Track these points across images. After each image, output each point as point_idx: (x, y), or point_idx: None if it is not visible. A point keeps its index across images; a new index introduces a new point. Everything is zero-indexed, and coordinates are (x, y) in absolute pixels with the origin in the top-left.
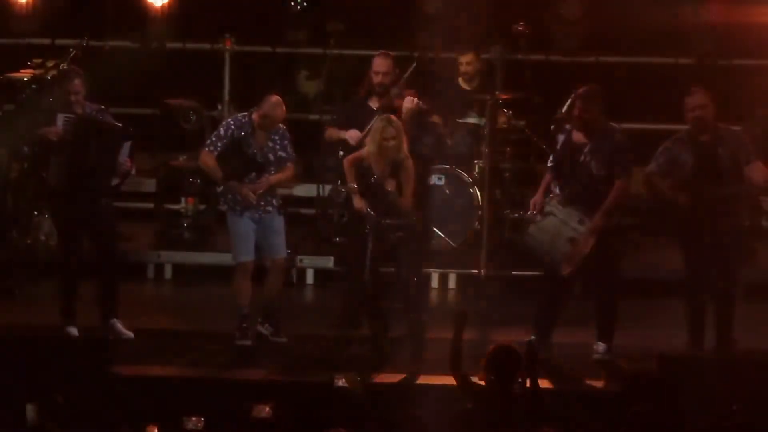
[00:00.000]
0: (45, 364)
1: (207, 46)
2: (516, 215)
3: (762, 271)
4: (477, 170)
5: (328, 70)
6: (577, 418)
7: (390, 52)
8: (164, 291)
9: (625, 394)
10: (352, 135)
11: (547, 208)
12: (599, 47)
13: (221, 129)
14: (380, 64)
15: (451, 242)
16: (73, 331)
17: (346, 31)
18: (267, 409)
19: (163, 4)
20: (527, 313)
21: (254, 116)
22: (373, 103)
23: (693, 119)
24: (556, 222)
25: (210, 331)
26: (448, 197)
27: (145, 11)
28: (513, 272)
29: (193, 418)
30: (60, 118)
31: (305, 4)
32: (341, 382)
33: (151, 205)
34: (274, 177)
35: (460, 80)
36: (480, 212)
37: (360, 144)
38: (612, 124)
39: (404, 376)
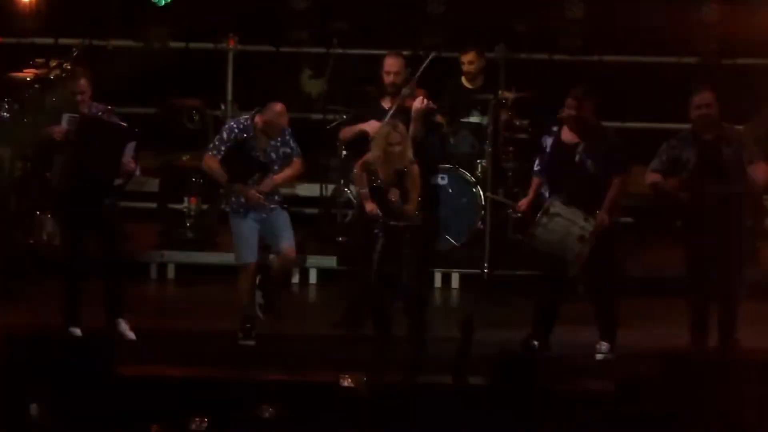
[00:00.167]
0: (47, 364)
1: (210, 45)
2: (517, 215)
3: (765, 270)
4: (480, 170)
5: (332, 70)
6: (578, 418)
7: (401, 52)
8: (167, 291)
9: (627, 394)
10: (372, 125)
11: (553, 209)
12: (602, 47)
13: (224, 132)
14: (391, 63)
15: (453, 242)
16: (76, 331)
17: (349, 30)
18: (271, 409)
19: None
20: (530, 312)
21: (257, 119)
22: (386, 103)
23: (698, 117)
24: (564, 222)
25: (213, 330)
26: (451, 196)
27: (148, 11)
28: (516, 272)
29: (197, 419)
30: (65, 118)
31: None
32: (347, 383)
33: (153, 205)
34: (279, 176)
35: (463, 79)
36: (483, 212)
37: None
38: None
39: (406, 376)
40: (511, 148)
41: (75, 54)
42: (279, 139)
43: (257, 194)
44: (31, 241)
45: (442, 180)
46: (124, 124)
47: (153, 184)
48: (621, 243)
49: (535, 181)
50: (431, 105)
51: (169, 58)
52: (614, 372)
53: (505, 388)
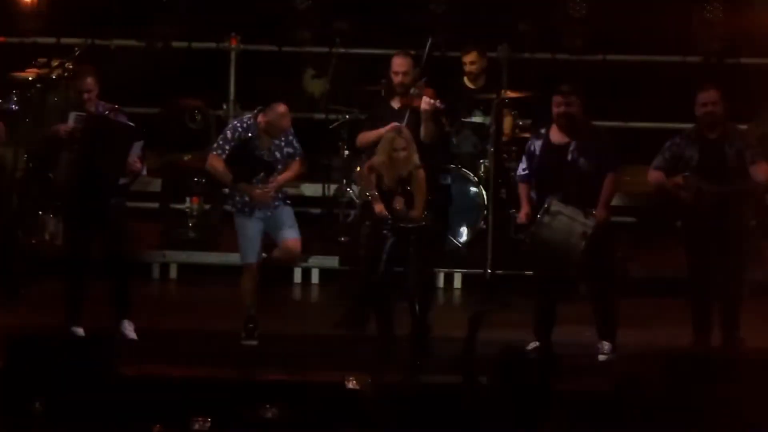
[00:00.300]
0: (50, 364)
1: (212, 45)
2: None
3: None
4: (482, 170)
5: (334, 70)
6: (579, 418)
7: (410, 51)
8: (169, 291)
9: (628, 394)
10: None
11: (553, 208)
12: (606, 46)
13: (227, 132)
14: (400, 63)
15: (456, 242)
16: (79, 331)
17: (352, 29)
18: (273, 409)
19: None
20: (531, 313)
21: (259, 119)
22: (395, 103)
23: (703, 114)
24: (566, 220)
25: (215, 330)
26: (454, 196)
27: (150, 10)
28: (518, 272)
29: (200, 419)
30: (72, 116)
31: None
32: (352, 384)
33: (156, 205)
34: (282, 177)
35: (465, 79)
36: (485, 212)
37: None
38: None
39: (408, 376)
40: (514, 148)
41: (77, 53)
42: (282, 139)
43: (262, 193)
44: (33, 241)
45: (445, 180)
46: (131, 124)
47: (155, 184)
48: (623, 243)
49: (524, 187)
50: (438, 105)
51: (171, 57)
52: (616, 372)
53: (506, 388)
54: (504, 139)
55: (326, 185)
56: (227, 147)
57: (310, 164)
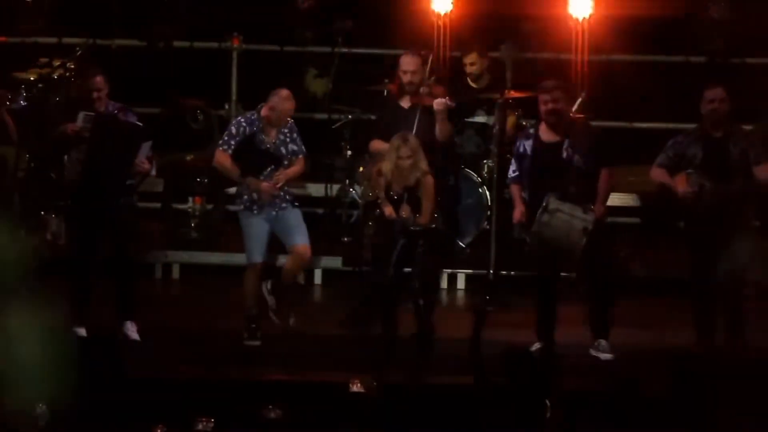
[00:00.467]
0: (52, 364)
1: (214, 44)
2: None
3: None
4: (486, 170)
5: (337, 69)
6: (583, 419)
7: (419, 50)
8: (172, 291)
9: (631, 395)
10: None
11: (552, 206)
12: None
13: (232, 127)
14: (408, 62)
15: (460, 242)
16: (81, 331)
17: (354, 29)
18: (276, 409)
19: None
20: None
21: (263, 112)
22: (405, 103)
23: (709, 111)
24: (566, 217)
25: (218, 331)
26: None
27: (152, 10)
28: (522, 272)
29: (203, 419)
30: (81, 116)
31: None
32: (356, 387)
33: (158, 205)
34: (289, 170)
35: (468, 79)
36: (489, 212)
37: None
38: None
39: (412, 376)
40: None
41: (78, 53)
42: (287, 133)
43: (270, 187)
44: (35, 241)
45: (450, 181)
46: (140, 124)
47: (157, 184)
48: (626, 243)
49: (516, 188)
50: (450, 103)
51: (173, 57)
52: (618, 372)
53: (509, 389)
54: (507, 139)
55: (329, 185)
56: (233, 142)
57: (312, 164)
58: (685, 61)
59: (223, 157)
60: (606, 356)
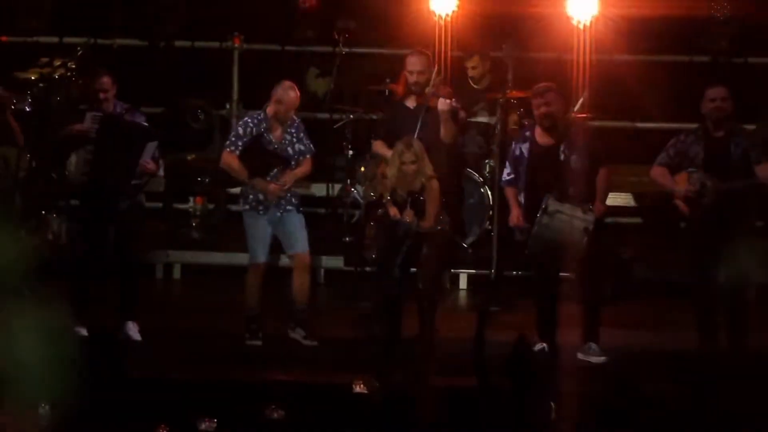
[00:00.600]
0: (53, 364)
1: (216, 44)
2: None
3: None
4: (488, 170)
5: (338, 69)
6: (584, 420)
7: (425, 50)
8: (173, 291)
9: (632, 395)
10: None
11: (552, 208)
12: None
13: (239, 128)
14: (414, 62)
15: (462, 242)
16: (82, 331)
17: (356, 28)
18: (279, 410)
19: None
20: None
21: (269, 110)
22: (411, 103)
23: (711, 110)
24: (566, 218)
25: (219, 331)
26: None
27: (153, 9)
28: (525, 272)
29: (207, 420)
30: (88, 116)
31: None
32: (359, 388)
33: (159, 205)
34: (296, 171)
35: (470, 79)
36: (491, 212)
37: None
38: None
39: (415, 377)
40: None
41: (80, 53)
42: (294, 132)
43: (277, 188)
44: (37, 241)
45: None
46: (145, 125)
47: (158, 184)
48: (629, 244)
49: (511, 191)
50: (455, 104)
51: (174, 57)
52: (618, 373)
53: (512, 389)
54: (509, 139)
55: (330, 185)
56: (240, 143)
57: (314, 164)
58: (689, 60)
59: (230, 158)
60: (597, 359)
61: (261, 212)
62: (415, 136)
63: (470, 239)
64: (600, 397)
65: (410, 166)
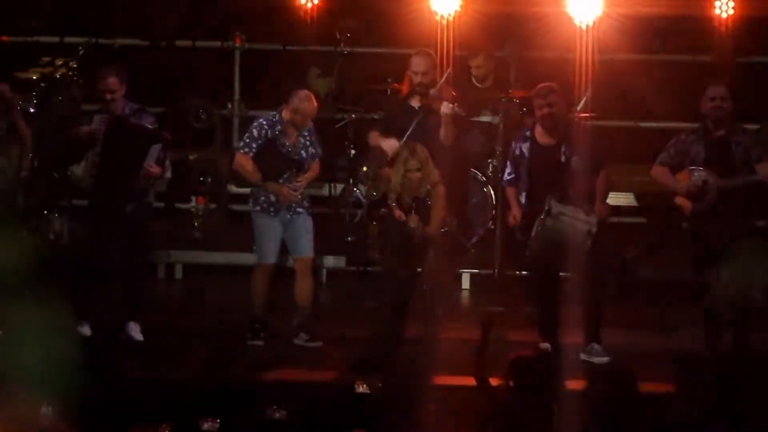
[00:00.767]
0: (55, 363)
1: (217, 43)
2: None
3: None
4: (491, 169)
5: (340, 69)
6: (585, 421)
7: (430, 50)
8: (175, 291)
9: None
10: (391, 145)
11: (555, 210)
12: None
13: (254, 130)
14: (419, 63)
15: (465, 242)
16: (86, 330)
17: (357, 28)
18: (281, 410)
19: None
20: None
21: (284, 114)
22: (415, 103)
23: (711, 109)
24: (569, 220)
25: (221, 330)
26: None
27: (154, 9)
28: (527, 272)
29: (209, 419)
30: (96, 118)
31: None
32: (362, 388)
33: (161, 204)
34: (308, 175)
35: (473, 79)
36: (494, 211)
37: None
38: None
39: (417, 376)
40: None
41: (81, 53)
42: (307, 136)
43: (291, 191)
44: (38, 241)
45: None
46: (150, 127)
47: (161, 184)
48: (633, 244)
49: (512, 191)
50: (458, 110)
51: (175, 56)
52: (620, 374)
53: (516, 389)
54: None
55: (332, 185)
56: (254, 145)
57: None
58: (692, 60)
59: (244, 160)
60: (601, 360)
61: (272, 213)
62: (410, 130)
63: (473, 239)
64: (599, 396)
65: (415, 174)
